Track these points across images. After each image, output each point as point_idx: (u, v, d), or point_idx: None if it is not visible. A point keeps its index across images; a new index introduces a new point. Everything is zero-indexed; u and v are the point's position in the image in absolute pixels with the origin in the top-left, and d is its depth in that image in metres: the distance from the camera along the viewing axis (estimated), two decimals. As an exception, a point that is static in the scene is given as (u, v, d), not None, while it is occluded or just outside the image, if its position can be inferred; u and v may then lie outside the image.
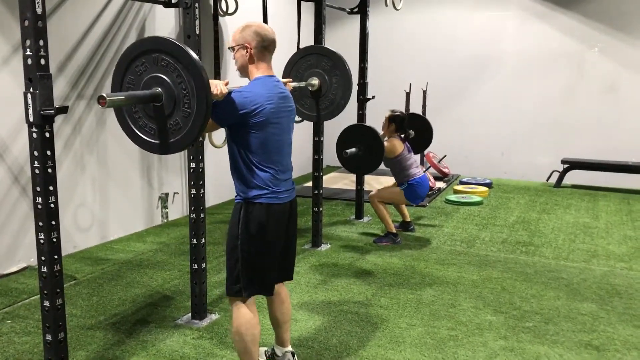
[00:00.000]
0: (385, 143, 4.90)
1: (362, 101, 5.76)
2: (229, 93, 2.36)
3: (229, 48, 2.54)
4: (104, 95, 2.08)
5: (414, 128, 5.45)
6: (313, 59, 3.38)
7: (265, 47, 2.48)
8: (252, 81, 2.49)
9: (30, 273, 4.23)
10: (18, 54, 4.14)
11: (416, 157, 5.20)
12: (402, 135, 5.12)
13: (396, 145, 5.01)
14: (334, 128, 7.30)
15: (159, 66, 2.23)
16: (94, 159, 4.92)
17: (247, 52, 2.47)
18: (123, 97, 2.21)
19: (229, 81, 2.45)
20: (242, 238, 2.49)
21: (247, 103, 2.35)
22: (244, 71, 2.54)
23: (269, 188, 2.47)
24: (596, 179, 7.85)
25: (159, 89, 2.24)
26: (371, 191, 5.26)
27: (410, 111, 5.17)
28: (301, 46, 5.21)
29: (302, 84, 3.30)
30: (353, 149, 4.64)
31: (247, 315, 2.53)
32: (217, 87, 2.30)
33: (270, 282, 2.62)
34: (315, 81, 3.32)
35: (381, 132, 4.95)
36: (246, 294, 2.52)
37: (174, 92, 2.21)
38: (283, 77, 3.31)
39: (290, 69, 3.42)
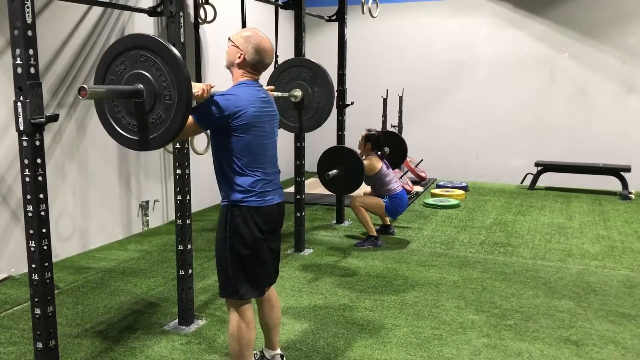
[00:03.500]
0: (365, 162, 5.02)
1: (341, 107, 5.84)
2: (212, 96, 2.39)
3: (228, 38, 2.55)
4: (85, 86, 2.06)
5: (389, 145, 5.61)
6: (294, 71, 3.43)
7: (255, 64, 2.51)
8: (235, 85, 2.52)
9: (12, 283, 4.20)
10: (-2, 62, 4.12)
11: (394, 174, 5.33)
12: (379, 153, 5.26)
13: (374, 162, 5.15)
14: (313, 134, 7.37)
15: (139, 63, 2.25)
16: (75, 168, 4.90)
17: (240, 56, 2.49)
18: (104, 89, 2.23)
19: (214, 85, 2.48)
20: (230, 241, 2.51)
21: (230, 105, 2.37)
22: (230, 67, 2.56)
23: (255, 191, 2.49)
24: (569, 180, 8.06)
25: (140, 85, 2.25)
26: (355, 196, 5.32)
27: (386, 128, 5.35)
28: (279, 53, 5.30)
29: (285, 94, 3.36)
30: (335, 171, 4.75)
31: (243, 319, 2.56)
32: (201, 89, 2.34)
33: (260, 284, 2.65)
34: (298, 92, 3.37)
35: (358, 152, 5.09)
36: (237, 296, 2.55)
37: (155, 86, 2.22)
38: (266, 85, 3.36)
39: (273, 84, 3.48)
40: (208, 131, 2.51)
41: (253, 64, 2.50)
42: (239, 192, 2.48)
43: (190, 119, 2.33)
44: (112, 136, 2.41)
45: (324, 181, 4.90)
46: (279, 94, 3.30)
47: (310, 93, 3.39)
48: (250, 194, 2.49)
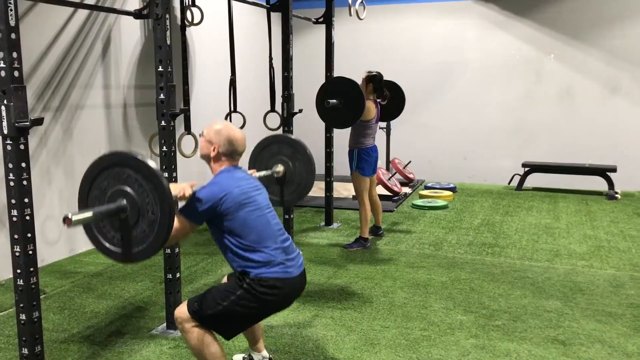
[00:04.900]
0: None
1: (330, 109, 5.82)
2: (194, 193, 2.43)
3: (200, 134, 2.63)
4: (69, 216, 2.04)
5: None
6: (274, 147, 3.47)
7: (230, 154, 2.57)
8: (216, 175, 2.57)
9: (-3, 288, 4.16)
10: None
11: (376, 132, 5.23)
12: (378, 100, 5.17)
13: (371, 108, 5.03)
14: (302, 136, 7.36)
15: (121, 179, 2.24)
16: (61, 171, 4.86)
17: (214, 149, 2.56)
18: (90, 215, 2.17)
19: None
20: (236, 300, 2.42)
21: (216, 194, 2.41)
22: (208, 162, 2.62)
23: (275, 262, 2.46)
24: (555, 181, 8.12)
25: (124, 201, 2.23)
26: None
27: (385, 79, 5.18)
28: (272, 55, 5.31)
29: (268, 172, 3.39)
30: (334, 100, 4.69)
31: (200, 334, 2.46)
32: (183, 190, 2.38)
33: (237, 334, 2.60)
34: (280, 168, 3.41)
35: None
36: (206, 327, 2.46)
37: (137, 201, 2.22)
38: (248, 169, 3.36)
39: (254, 161, 3.49)
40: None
41: (227, 154, 2.57)
42: (259, 267, 2.43)
43: (184, 220, 2.39)
44: (103, 252, 2.35)
45: (322, 110, 4.79)
46: (263, 173, 3.34)
47: (291, 168, 3.44)
48: (271, 266, 2.45)
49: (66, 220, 2.02)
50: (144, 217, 2.20)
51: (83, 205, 2.32)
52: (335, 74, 5.87)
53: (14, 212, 2.40)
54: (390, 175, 7.62)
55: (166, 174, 3.29)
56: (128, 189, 2.22)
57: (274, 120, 5.57)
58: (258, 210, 2.51)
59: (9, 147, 2.35)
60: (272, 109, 5.48)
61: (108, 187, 2.26)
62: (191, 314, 2.44)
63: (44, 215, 4.68)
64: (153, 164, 2.20)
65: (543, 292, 4.08)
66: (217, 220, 2.45)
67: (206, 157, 2.61)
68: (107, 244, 2.30)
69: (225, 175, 2.53)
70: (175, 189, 2.33)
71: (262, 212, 2.53)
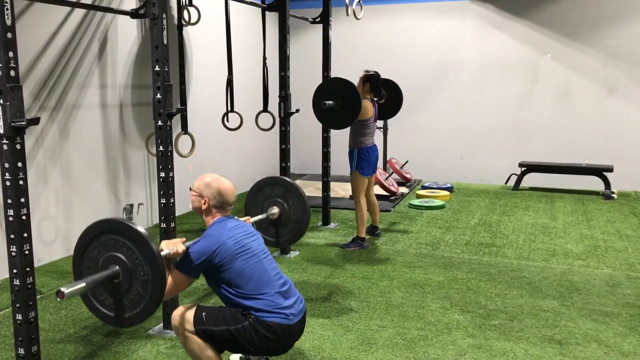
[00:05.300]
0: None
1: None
2: (187, 248, 2.45)
3: (189, 188, 2.67)
4: (62, 289, 2.06)
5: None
6: (267, 190, 3.48)
7: (220, 206, 2.61)
8: (208, 227, 2.60)
9: (-7, 288, 4.15)
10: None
11: (374, 131, 5.24)
12: (375, 99, 5.17)
13: (368, 108, 5.04)
14: (298, 135, 7.37)
15: (110, 246, 2.27)
16: (57, 171, 4.85)
17: (204, 202, 2.60)
18: (82, 285, 2.18)
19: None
20: (241, 329, 2.45)
21: (210, 246, 2.45)
22: (197, 213, 2.67)
23: (276, 310, 2.47)
24: (552, 181, 8.13)
25: (116, 267, 2.25)
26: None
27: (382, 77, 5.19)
28: (267, 55, 5.30)
29: (263, 216, 3.39)
30: (331, 102, 4.70)
31: (197, 338, 2.48)
32: (174, 246, 2.41)
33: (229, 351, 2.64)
34: (275, 210, 3.43)
35: None
36: (202, 335, 2.48)
37: (128, 264, 2.24)
38: (244, 215, 3.38)
39: (249, 205, 3.50)
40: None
41: (218, 206, 2.62)
42: (259, 312, 2.46)
43: (180, 275, 2.43)
44: (102, 319, 2.38)
45: (320, 111, 4.80)
46: (259, 217, 3.34)
47: (286, 208, 3.45)
48: (271, 312, 2.46)
49: (59, 294, 2.06)
50: (136, 278, 2.23)
51: (78, 277, 2.34)
52: (333, 73, 5.87)
53: (10, 212, 2.40)
54: (388, 175, 7.62)
55: (163, 174, 3.29)
56: (118, 254, 2.25)
57: (267, 120, 5.58)
58: (254, 257, 2.54)
59: (5, 147, 2.34)
60: (265, 109, 5.47)
61: (99, 256, 2.29)
62: (195, 323, 2.47)
63: (40, 215, 4.67)
64: (140, 228, 2.23)
65: (540, 291, 4.09)
66: (214, 272, 2.48)
67: (198, 210, 2.65)
68: (106, 311, 2.33)
69: (217, 226, 2.57)
70: (167, 246, 2.40)
71: (258, 258, 2.56)
